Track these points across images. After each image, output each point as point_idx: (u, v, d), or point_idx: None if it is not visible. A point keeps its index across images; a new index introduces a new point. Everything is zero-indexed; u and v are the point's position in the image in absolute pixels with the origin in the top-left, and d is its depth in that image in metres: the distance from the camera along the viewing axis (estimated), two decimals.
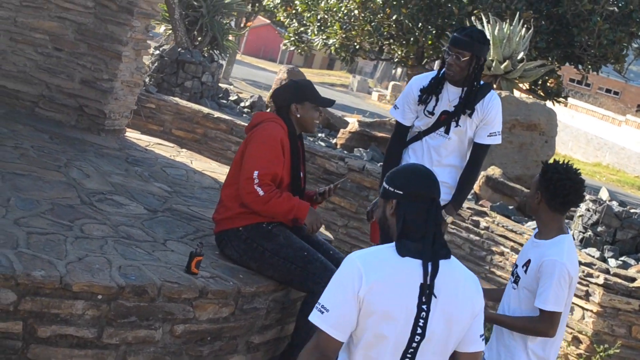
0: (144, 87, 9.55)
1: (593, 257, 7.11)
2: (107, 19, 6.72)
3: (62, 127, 6.67)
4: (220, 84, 12.61)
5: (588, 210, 7.83)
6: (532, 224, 7.79)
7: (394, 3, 17.70)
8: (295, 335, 4.50)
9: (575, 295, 6.52)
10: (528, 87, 16.05)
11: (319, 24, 19.53)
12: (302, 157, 4.84)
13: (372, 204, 5.00)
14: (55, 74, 6.80)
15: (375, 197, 7.46)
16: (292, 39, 21.36)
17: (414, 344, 2.66)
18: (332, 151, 8.89)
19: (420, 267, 2.66)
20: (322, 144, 10.04)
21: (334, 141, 10.63)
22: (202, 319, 4.12)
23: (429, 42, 18.19)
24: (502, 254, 7.44)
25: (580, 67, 18.55)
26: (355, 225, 8.26)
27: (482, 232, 7.62)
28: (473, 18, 14.97)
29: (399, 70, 45.87)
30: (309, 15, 19.79)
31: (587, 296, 6.57)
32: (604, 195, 8.63)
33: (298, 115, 4.66)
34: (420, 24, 17.79)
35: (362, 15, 18.55)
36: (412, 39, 18.37)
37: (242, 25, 29.74)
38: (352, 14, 18.75)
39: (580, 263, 6.57)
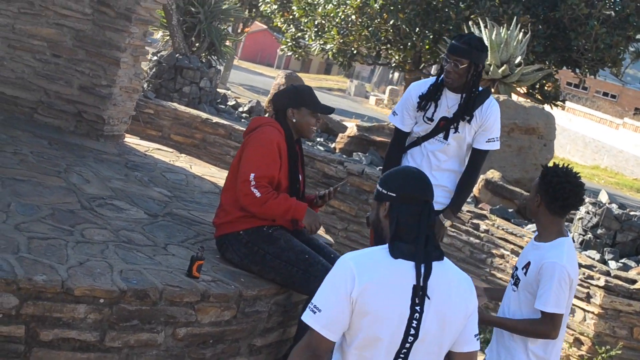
0: (142, 92, 9.55)
1: (593, 259, 7.11)
2: (105, 26, 6.73)
3: (61, 133, 6.68)
4: (218, 89, 12.62)
5: (588, 212, 7.84)
6: (532, 226, 7.80)
7: (391, 8, 17.73)
8: (298, 337, 4.50)
9: (577, 297, 6.52)
10: (526, 91, 16.07)
11: (316, 29, 19.56)
12: (301, 161, 4.84)
13: None
14: (54, 80, 6.81)
15: None
16: (290, 44, 21.39)
17: (407, 345, 2.68)
18: (331, 155, 8.89)
19: (413, 268, 2.67)
20: (321, 148, 10.05)
21: (332, 145, 10.65)
22: (204, 322, 4.12)
23: (427, 46, 18.22)
24: (502, 256, 7.44)
25: (577, 70, 18.60)
26: (355, 229, 8.26)
27: (482, 235, 7.63)
28: (470, 23, 15.00)
29: (396, 74, 45.92)
30: (306, 20, 19.82)
31: (588, 298, 6.58)
32: (603, 197, 8.64)
33: (294, 120, 4.67)
34: (417, 28, 17.83)
35: (360, 20, 18.58)
36: (409, 43, 18.41)
37: (239, 30, 29.77)
38: (350, 19, 18.78)
39: (581, 265, 6.57)
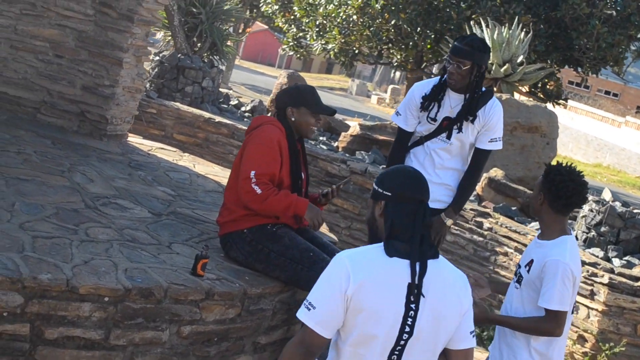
0: (145, 92, 9.56)
1: (597, 257, 7.11)
2: (107, 27, 6.74)
3: (64, 133, 6.69)
4: (220, 89, 12.64)
5: (591, 210, 7.84)
6: (535, 224, 7.80)
7: (393, 8, 17.75)
8: None
9: (581, 295, 6.53)
10: (528, 90, 16.08)
11: (317, 29, 19.57)
12: (304, 159, 4.85)
13: None
14: (57, 81, 6.82)
15: None
16: (291, 44, 21.41)
17: (402, 342, 2.69)
18: (334, 154, 8.90)
19: (408, 267, 2.68)
20: (324, 147, 10.06)
21: (335, 144, 10.65)
22: (209, 320, 4.12)
23: (428, 46, 18.24)
24: (505, 254, 7.45)
25: (579, 69, 18.60)
26: (358, 227, 8.27)
27: (485, 233, 7.63)
28: (472, 22, 15.00)
29: (398, 73, 45.94)
30: (307, 20, 19.84)
31: (592, 295, 6.58)
32: (606, 196, 8.65)
33: (293, 119, 4.67)
34: (419, 28, 17.84)
35: (361, 20, 18.59)
36: (410, 43, 18.42)
37: (240, 31, 29.79)
38: (351, 19, 18.80)
39: (585, 263, 6.58)
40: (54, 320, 3.66)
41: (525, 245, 6.98)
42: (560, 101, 18.70)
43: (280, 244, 4.51)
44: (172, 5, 11.88)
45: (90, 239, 4.32)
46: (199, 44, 12.71)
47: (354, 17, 18.66)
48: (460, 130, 4.85)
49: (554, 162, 3.92)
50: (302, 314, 2.69)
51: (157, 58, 11.35)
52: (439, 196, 4.94)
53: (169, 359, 4.01)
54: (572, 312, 3.84)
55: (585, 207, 7.92)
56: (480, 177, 5.70)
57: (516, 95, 12.03)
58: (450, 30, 17.16)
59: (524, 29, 13.14)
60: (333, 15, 18.96)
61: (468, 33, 13.05)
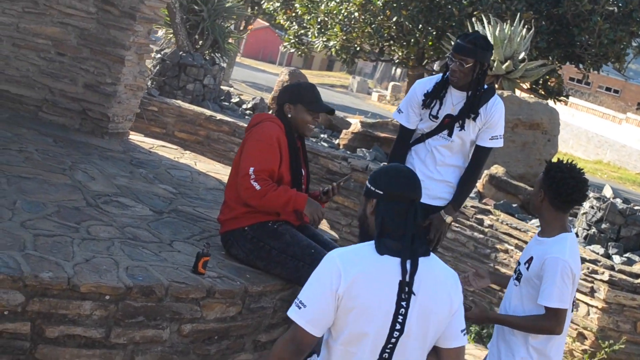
0: (146, 90, 9.57)
1: (597, 254, 7.12)
2: (109, 24, 6.74)
3: (66, 131, 6.70)
4: (221, 87, 12.64)
5: (592, 207, 7.84)
6: (536, 221, 7.80)
7: (394, 5, 17.75)
8: None
9: (580, 292, 6.53)
10: (529, 87, 16.08)
11: (319, 26, 19.58)
12: (304, 156, 4.85)
13: None
14: (59, 79, 6.83)
15: None
16: (292, 41, 21.41)
17: (393, 340, 2.70)
18: (335, 151, 8.91)
19: (399, 264, 2.69)
20: (325, 144, 10.06)
21: (336, 142, 10.66)
22: (210, 318, 4.13)
23: (430, 43, 18.24)
24: (506, 251, 7.45)
25: (580, 66, 18.60)
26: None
27: (486, 230, 7.64)
28: (473, 19, 15.00)
29: (399, 70, 45.90)
30: (309, 18, 19.84)
31: (592, 292, 6.59)
32: (607, 192, 8.65)
33: (289, 116, 4.68)
34: (420, 25, 17.84)
35: (363, 17, 18.60)
36: (412, 40, 18.42)
37: (241, 28, 29.77)
38: (352, 16, 18.80)
39: (585, 260, 6.58)
40: (55, 318, 3.67)
41: (525, 243, 6.99)
42: (562, 98, 18.70)
43: (281, 241, 4.52)
44: (174, 2, 11.89)
45: (92, 237, 4.33)
46: (200, 42, 12.72)
47: (356, 14, 18.66)
48: (462, 127, 4.85)
49: (554, 159, 3.92)
50: (292, 313, 2.70)
51: (159, 56, 11.36)
52: (440, 193, 4.94)
53: (169, 358, 4.02)
54: (572, 310, 3.85)
55: (586, 204, 7.92)
56: (480, 175, 5.70)
57: (517, 92, 12.04)
58: (451, 27, 17.16)
59: (526, 26, 13.15)
60: (334, 12, 18.96)
61: (469, 30, 13.06)
